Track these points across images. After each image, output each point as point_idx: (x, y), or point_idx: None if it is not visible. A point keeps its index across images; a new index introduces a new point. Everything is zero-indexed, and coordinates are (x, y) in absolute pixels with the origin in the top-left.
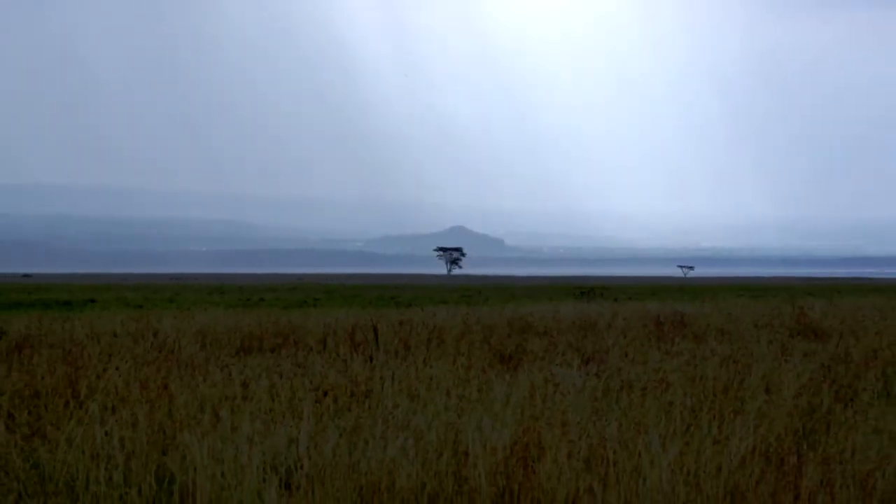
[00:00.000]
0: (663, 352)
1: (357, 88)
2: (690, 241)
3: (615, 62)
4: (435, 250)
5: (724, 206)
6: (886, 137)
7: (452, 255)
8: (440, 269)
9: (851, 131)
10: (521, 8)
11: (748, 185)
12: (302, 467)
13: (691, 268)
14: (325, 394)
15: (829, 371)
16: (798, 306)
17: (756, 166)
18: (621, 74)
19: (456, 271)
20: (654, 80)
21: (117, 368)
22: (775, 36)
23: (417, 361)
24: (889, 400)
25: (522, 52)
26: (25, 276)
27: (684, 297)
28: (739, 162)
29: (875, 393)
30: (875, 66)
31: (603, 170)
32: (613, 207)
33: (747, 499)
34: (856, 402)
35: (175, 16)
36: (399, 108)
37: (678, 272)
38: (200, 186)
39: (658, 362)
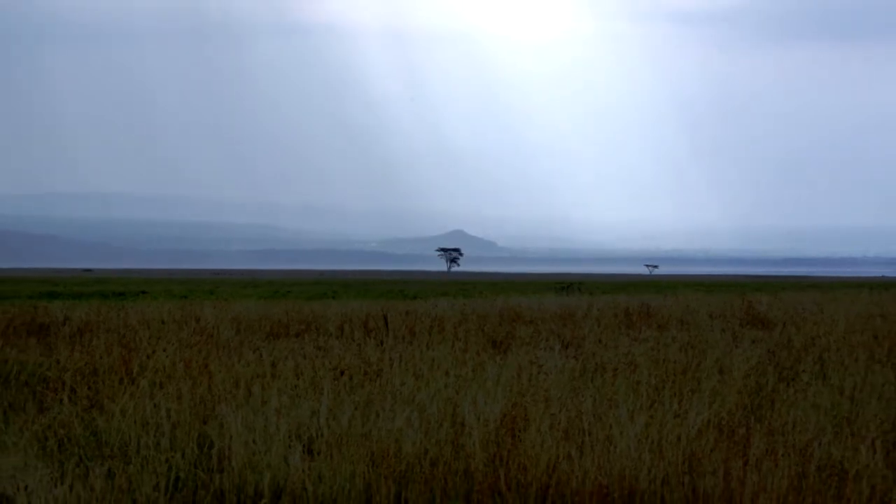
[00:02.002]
0: (632, 338)
1: (371, 111)
2: (655, 244)
3: (591, 91)
4: (437, 250)
5: (684, 213)
6: (822, 156)
7: (452, 254)
8: (441, 266)
9: (792, 150)
10: (513, 44)
11: (704, 195)
12: (322, 435)
13: (656, 266)
14: (342, 373)
15: (774, 356)
16: (747, 300)
17: (711, 179)
18: (596, 101)
19: (455, 269)
20: (624, 106)
21: (164, 350)
22: (727, 68)
23: (421, 346)
24: (825, 381)
25: (513, 82)
26: (86, 270)
27: (650, 292)
28: (696, 176)
29: (813, 374)
30: (813, 95)
31: (581, 182)
32: (590, 214)
33: (703, 464)
34: (796, 382)
35: (220, 53)
36: (407, 128)
37: (645, 270)
38: (238, 195)
39: (627, 347)
